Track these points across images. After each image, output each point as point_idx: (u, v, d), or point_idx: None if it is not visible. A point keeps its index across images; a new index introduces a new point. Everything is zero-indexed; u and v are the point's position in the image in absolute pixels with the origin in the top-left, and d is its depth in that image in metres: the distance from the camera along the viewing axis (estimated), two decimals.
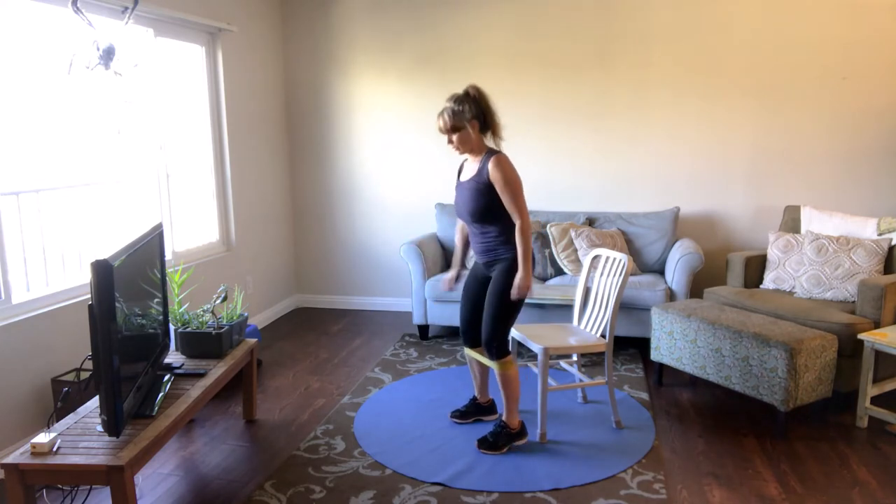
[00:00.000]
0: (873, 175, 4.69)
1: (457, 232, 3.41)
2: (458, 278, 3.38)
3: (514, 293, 2.94)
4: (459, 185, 3.12)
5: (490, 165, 2.92)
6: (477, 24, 5.14)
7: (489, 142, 3.06)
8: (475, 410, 3.45)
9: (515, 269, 3.00)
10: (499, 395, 3.70)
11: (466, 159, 3.14)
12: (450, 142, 2.99)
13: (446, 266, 5.10)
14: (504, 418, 3.14)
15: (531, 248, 2.96)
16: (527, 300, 4.29)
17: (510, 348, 3.13)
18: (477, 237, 3.11)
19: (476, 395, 3.45)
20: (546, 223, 4.91)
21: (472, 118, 2.93)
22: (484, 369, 3.37)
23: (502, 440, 3.11)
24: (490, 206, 2.97)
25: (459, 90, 3.02)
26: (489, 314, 3.02)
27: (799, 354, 3.12)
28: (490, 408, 3.46)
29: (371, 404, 3.70)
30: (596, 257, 3.54)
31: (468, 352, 3.30)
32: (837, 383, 3.48)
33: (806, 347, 3.15)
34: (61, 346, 3.32)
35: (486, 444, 3.11)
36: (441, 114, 2.96)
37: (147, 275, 2.84)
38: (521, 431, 3.17)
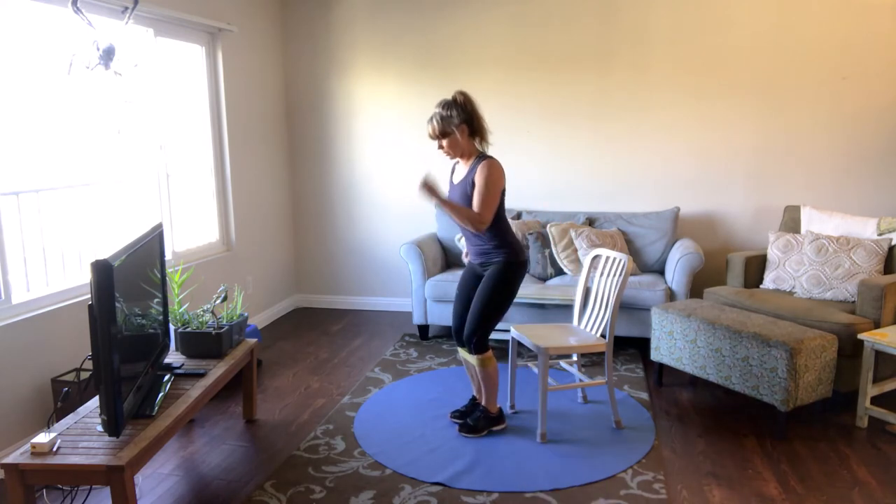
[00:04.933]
0: (873, 175, 4.69)
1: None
2: (432, 190, 3.18)
3: (424, 189, 2.91)
4: (451, 187, 3.20)
5: (478, 168, 3.01)
6: (477, 25, 5.14)
7: (481, 147, 3.14)
8: (475, 410, 3.44)
9: (507, 271, 3.09)
10: (498, 393, 3.71)
11: (458, 162, 3.21)
12: (440, 147, 3.08)
13: (446, 266, 5.10)
14: (483, 403, 3.30)
15: (459, 217, 2.97)
16: (527, 300, 4.30)
17: (490, 344, 3.24)
18: (471, 239, 3.18)
19: (475, 394, 3.45)
20: (546, 223, 4.91)
21: (461, 123, 3.02)
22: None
23: (482, 424, 3.26)
24: None
25: (455, 92, 3.08)
26: (475, 309, 3.11)
27: (799, 354, 3.12)
28: None
29: (371, 404, 3.70)
30: (596, 257, 3.54)
31: (462, 353, 3.31)
32: (837, 383, 3.48)
33: (806, 347, 3.15)
34: (61, 346, 3.32)
35: (467, 427, 3.27)
36: (430, 120, 3.05)
37: (147, 275, 2.84)
38: (500, 417, 3.31)
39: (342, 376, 4.17)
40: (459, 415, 3.44)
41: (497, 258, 3.10)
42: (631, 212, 4.98)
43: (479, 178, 3.00)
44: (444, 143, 3.06)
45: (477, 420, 3.27)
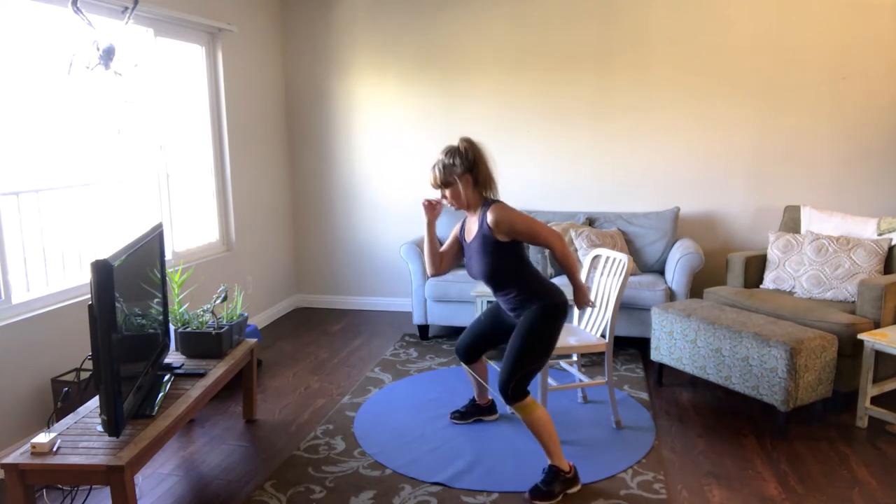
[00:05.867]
0: (873, 175, 4.69)
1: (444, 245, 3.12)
2: (433, 211, 2.96)
3: (583, 304, 2.93)
4: (467, 246, 2.93)
5: (489, 218, 2.74)
6: (477, 25, 5.14)
7: (487, 195, 2.86)
8: (475, 411, 3.45)
9: (544, 315, 2.78)
10: (497, 394, 3.71)
11: (466, 217, 2.97)
12: (443, 196, 2.84)
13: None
14: (551, 462, 2.79)
15: (576, 268, 2.81)
16: None
17: (528, 390, 2.79)
18: (498, 296, 2.94)
19: (475, 396, 3.45)
20: (546, 223, 4.90)
21: (464, 172, 2.76)
22: (481, 374, 3.36)
23: (557, 486, 2.75)
24: (501, 266, 2.80)
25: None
26: (509, 356, 2.78)
27: (799, 354, 3.12)
28: (490, 408, 3.46)
29: (371, 404, 3.70)
30: (596, 257, 3.54)
31: (464, 366, 3.30)
32: (837, 383, 3.48)
33: (806, 347, 3.15)
34: (61, 346, 3.32)
35: (539, 493, 2.73)
36: (433, 167, 2.81)
37: (147, 275, 2.84)
38: (575, 476, 2.82)
39: (342, 376, 4.17)
40: (459, 415, 3.44)
41: (531, 305, 2.81)
42: (631, 212, 4.98)
43: (506, 230, 2.73)
44: (447, 192, 2.80)
45: (548, 483, 2.75)
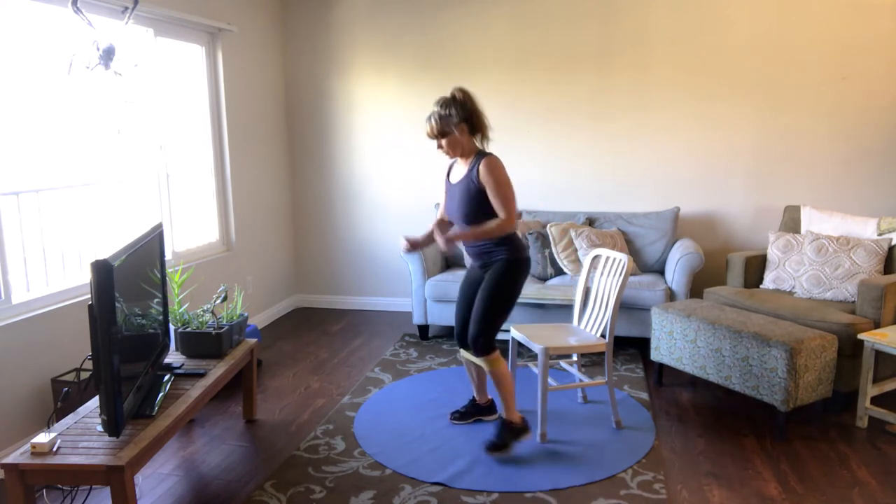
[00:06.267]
0: (873, 175, 4.70)
1: (435, 219, 3.30)
2: (416, 245, 3.12)
3: (440, 238, 2.91)
4: (450, 186, 3.10)
5: (481, 168, 2.89)
6: (477, 25, 5.14)
7: (481, 144, 3.04)
8: (474, 411, 3.45)
9: (510, 269, 2.99)
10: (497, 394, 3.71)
11: (456, 161, 3.12)
12: (439, 146, 2.98)
13: (446, 266, 5.10)
14: (504, 415, 3.12)
15: (492, 236, 2.94)
16: (527, 300, 4.30)
17: (496, 345, 3.07)
18: (468, 243, 3.09)
19: (475, 395, 3.45)
20: (546, 223, 4.91)
21: (460, 122, 2.90)
22: (481, 370, 3.36)
23: (508, 438, 3.07)
24: (482, 210, 2.95)
25: (454, 89, 3.00)
26: (478, 310, 3.01)
27: (799, 354, 3.12)
28: (489, 407, 3.46)
29: (371, 404, 3.70)
30: (596, 257, 3.54)
31: (463, 353, 3.30)
32: (837, 383, 3.48)
33: (806, 347, 3.15)
34: (61, 346, 3.32)
35: (493, 446, 3.06)
36: (429, 118, 2.94)
37: (147, 275, 2.84)
38: (524, 426, 3.12)
39: (342, 376, 4.17)
40: (459, 415, 3.44)
41: (499, 256, 3.00)
42: (631, 212, 4.98)
43: (488, 181, 2.89)
44: (444, 142, 2.95)
45: (500, 435, 3.08)
